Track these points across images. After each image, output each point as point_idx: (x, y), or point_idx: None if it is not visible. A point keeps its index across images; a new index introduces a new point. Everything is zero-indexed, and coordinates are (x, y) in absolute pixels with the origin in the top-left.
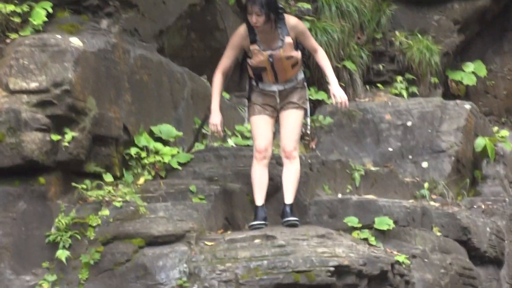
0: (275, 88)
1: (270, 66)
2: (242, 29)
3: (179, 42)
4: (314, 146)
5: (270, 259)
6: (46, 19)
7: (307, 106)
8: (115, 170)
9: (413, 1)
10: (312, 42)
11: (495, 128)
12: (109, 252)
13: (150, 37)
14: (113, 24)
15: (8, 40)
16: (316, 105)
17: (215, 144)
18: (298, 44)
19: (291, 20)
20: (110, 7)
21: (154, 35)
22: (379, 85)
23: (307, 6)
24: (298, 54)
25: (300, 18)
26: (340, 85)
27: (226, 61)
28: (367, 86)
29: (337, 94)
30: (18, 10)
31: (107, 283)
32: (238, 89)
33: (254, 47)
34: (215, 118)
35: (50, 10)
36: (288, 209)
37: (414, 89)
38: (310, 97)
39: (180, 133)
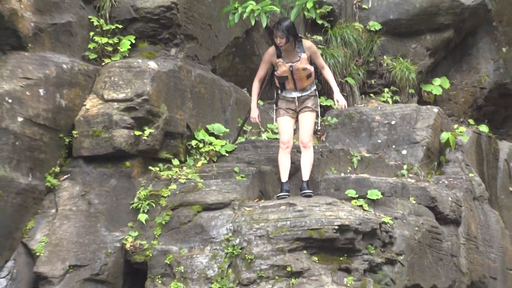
0: (295, 94)
1: (290, 75)
2: (271, 49)
3: (226, 65)
4: (324, 139)
5: (292, 220)
6: (130, 47)
7: (318, 109)
8: (181, 157)
9: (396, 34)
10: (321, 61)
11: (455, 126)
12: (176, 215)
13: (206, 61)
14: (179, 51)
15: (103, 63)
16: (325, 109)
17: (253, 138)
18: (311, 63)
19: (307, 43)
20: (177, 39)
21: (209, 60)
22: (371, 95)
23: (319, 37)
24: (311, 67)
25: None
26: (343, 95)
27: (260, 72)
28: (363, 96)
29: (339, 99)
30: (110, 41)
31: (174, 237)
32: (269, 98)
33: (279, 60)
34: (254, 113)
35: (134, 41)
36: (305, 184)
37: (397, 97)
38: (321, 103)
39: (228, 130)
